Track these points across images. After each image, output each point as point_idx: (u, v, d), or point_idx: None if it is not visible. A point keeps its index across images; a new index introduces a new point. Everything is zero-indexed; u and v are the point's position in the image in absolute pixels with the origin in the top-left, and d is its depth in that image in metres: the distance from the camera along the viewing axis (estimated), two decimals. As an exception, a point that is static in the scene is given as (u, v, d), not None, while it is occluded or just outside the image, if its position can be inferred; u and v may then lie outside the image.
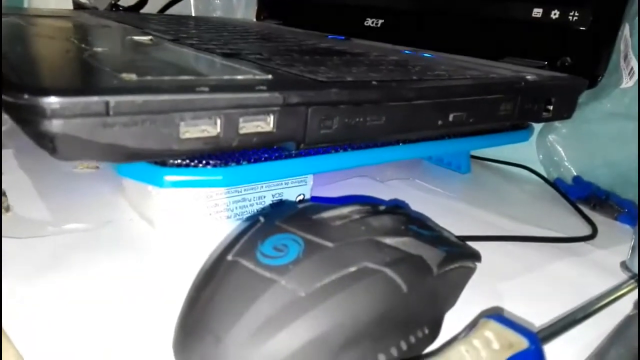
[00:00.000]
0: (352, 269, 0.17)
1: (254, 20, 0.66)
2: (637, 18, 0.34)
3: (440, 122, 0.27)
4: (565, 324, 0.19)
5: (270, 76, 0.23)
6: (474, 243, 0.25)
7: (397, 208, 0.22)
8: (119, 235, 0.26)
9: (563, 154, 0.39)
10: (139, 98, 0.17)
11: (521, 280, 0.25)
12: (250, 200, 0.27)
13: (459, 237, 0.24)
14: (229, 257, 0.17)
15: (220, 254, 0.18)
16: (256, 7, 0.66)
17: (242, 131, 0.20)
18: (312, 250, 0.17)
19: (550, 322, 0.19)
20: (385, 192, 0.34)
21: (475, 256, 0.23)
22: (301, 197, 0.29)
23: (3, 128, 0.38)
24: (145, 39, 0.32)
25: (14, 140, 0.36)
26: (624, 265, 0.27)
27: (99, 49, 0.26)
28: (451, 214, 0.32)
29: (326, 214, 0.19)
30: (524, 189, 0.39)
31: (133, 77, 0.19)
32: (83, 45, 0.27)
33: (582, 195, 0.36)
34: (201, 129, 0.19)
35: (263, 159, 0.25)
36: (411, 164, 0.41)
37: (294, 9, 0.60)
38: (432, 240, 0.20)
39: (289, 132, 0.22)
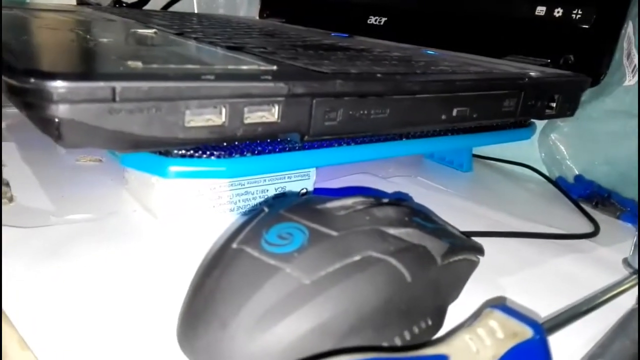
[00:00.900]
0: (357, 257, 0.17)
1: (257, 18, 0.66)
2: (637, 18, 0.34)
3: (444, 117, 0.27)
4: (569, 316, 0.19)
5: (275, 67, 0.23)
6: (477, 238, 0.25)
7: (400, 200, 0.22)
8: (121, 226, 0.26)
9: (565, 153, 0.39)
10: (145, 84, 0.17)
11: (523, 275, 0.25)
12: (253, 194, 0.27)
13: (462, 233, 0.24)
14: (234, 245, 0.17)
15: (225, 242, 0.18)
16: (259, 5, 0.66)
17: (247, 121, 0.20)
18: (317, 239, 0.17)
19: (553, 315, 0.19)
20: (387, 188, 0.34)
21: (479, 250, 0.23)
22: (304, 191, 0.29)
23: (4, 123, 0.38)
24: (149, 31, 0.32)
25: (17, 133, 0.36)
26: (626, 262, 0.27)
27: (104, 40, 0.26)
28: (453, 210, 0.31)
29: (330, 204, 0.19)
30: (526, 188, 0.39)
31: (139, 64, 0.19)
32: (88, 36, 0.27)
33: (584, 193, 0.36)
34: (206, 118, 0.19)
35: (267, 151, 0.25)
36: (413, 161, 0.41)
37: (297, 7, 0.60)
38: (436, 232, 0.20)
39: (294, 123, 0.22)
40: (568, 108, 0.33)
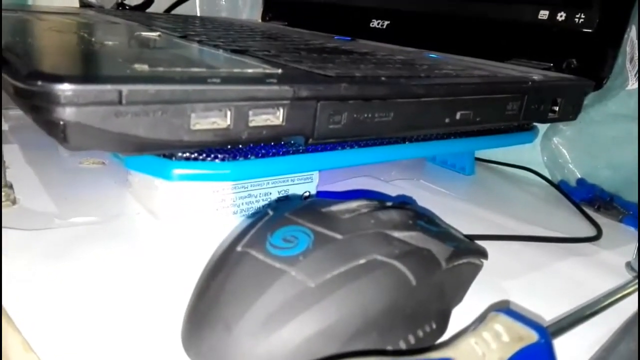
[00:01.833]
0: (362, 261, 0.17)
1: (260, 21, 0.66)
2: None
3: (447, 120, 0.27)
4: (573, 320, 0.19)
5: (280, 70, 0.23)
6: (480, 242, 0.24)
7: (404, 204, 0.22)
8: (125, 229, 0.26)
9: (567, 156, 0.39)
10: (151, 87, 0.17)
11: (526, 278, 0.25)
12: (256, 197, 0.28)
13: (465, 236, 0.24)
14: (239, 248, 0.17)
15: (229, 245, 0.18)
16: (261, 9, 0.66)
17: (252, 124, 0.20)
18: (322, 242, 0.17)
19: (558, 318, 0.19)
20: (390, 191, 0.34)
21: (482, 253, 0.23)
22: (307, 194, 0.29)
23: (7, 125, 0.38)
24: (153, 35, 0.32)
25: (19, 135, 0.37)
26: (629, 266, 0.27)
27: (109, 43, 0.26)
28: (456, 213, 0.31)
29: (335, 207, 0.19)
30: (529, 191, 0.39)
31: (145, 67, 0.19)
32: (93, 39, 0.27)
33: (586, 197, 0.36)
34: (211, 121, 0.19)
35: (271, 154, 0.25)
36: (415, 165, 0.41)
37: (300, 10, 0.60)
38: (440, 236, 0.20)
39: (298, 126, 0.22)
40: (571, 112, 0.33)
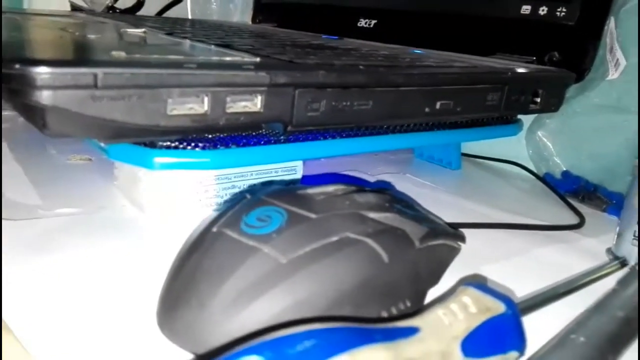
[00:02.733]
0: (334, 238, 0.17)
1: (250, 23, 0.66)
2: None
3: (427, 110, 0.27)
4: (546, 297, 0.19)
5: (258, 59, 0.23)
6: (464, 230, 0.25)
7: (382, 189, 0.23)
8: (109, 220, 0.26)
9: (552, 149, 0.39)
10: (126, 71, 0.18)
11: (508, 263, 0.25)
12: (240, 188, 0.28)
13: (448, 224, 0.24)
14: (214, 229, 0.18)
15: (206, 226, 0.18)
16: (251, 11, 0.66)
17: (229, 110, 0.21)
18: (295, 221, 0.17)
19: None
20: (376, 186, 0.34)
21: (459, 237, 0.23)
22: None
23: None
24: (138, 30, 0.33)
25: (9, 135, 0.37)
26: (609, 252, 0.27)
27: (92, 36, 0.26)
28: (442, 205, 0.32)
29: (311, 190, 0.20)
30: (514, 184, 0.40)
31: (122, 54, 0.19)
32: (77, 33, 0.27)
33: (570, 188, 0.37)
34: (188, 107, 0.20)
35: (252, 143, 0.26)
36: (402, 160, 0.41)
37: (289, 12, 0.60)
38: (416, 218, 0.20)
39: (276, 113, 0.22)
40: (553, 103, 0.34)
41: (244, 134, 0.25)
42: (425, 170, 0.40)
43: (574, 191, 0.36)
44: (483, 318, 0.15)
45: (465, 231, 0.25)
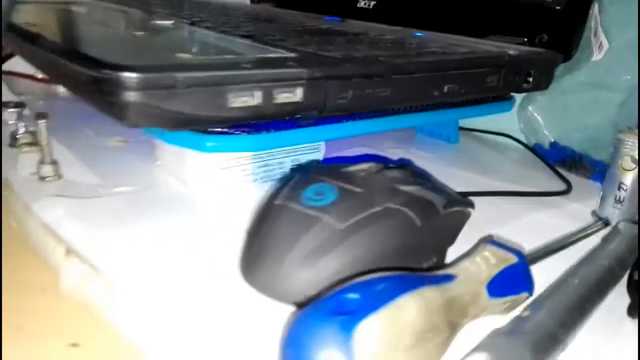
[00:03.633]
0: (378, 208, 0.21)
1: (249, 3, 0.69)
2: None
3: (436, 93, 0.31)
4: (545, 251, 0.23)
5: (295, 54, 0.26)
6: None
7: (404, 165, 0.27)
8: (160, 196, 0.30)
9: (541, 122, 0.43)
10: (200, 74, 0.21)
11: (507, 225, 0.29)
12: (272, 165, 0.32)
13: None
14: (277, 202, 0.22)
15: (267, 201, 0.22)
16: (250, -9, 0.68)
17: (276, 101, 0.24)
18: (346, 195, 0.21)
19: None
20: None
21: (470, 204, 0.27)
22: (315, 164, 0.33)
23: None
24: (168, 22, 0.35)
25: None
26: (594, 214, 0.32)
27: (139, 33, 0.29)
28: (443, 175, 0.35)
29: (352, 168, 0.23)
30: (508, 155, 0.44)
31: (187, 56, 0.23)
32: (120, 29, 0.30)
33: (558, 158, 0.41)
34: (244, 100, 0.23)
35: (284, 128, 0.29)
36: (406, 136, 0.45)
37: (289, -8, 0.63)
38: (436, 189, 0.24)
39: (313, 102, 0.26)
40: (543, 82, 0.37)
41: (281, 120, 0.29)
42: (427, 145, 0.44)
43: (562, 160, 0.41)
44: (501, 267, 0.19)
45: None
